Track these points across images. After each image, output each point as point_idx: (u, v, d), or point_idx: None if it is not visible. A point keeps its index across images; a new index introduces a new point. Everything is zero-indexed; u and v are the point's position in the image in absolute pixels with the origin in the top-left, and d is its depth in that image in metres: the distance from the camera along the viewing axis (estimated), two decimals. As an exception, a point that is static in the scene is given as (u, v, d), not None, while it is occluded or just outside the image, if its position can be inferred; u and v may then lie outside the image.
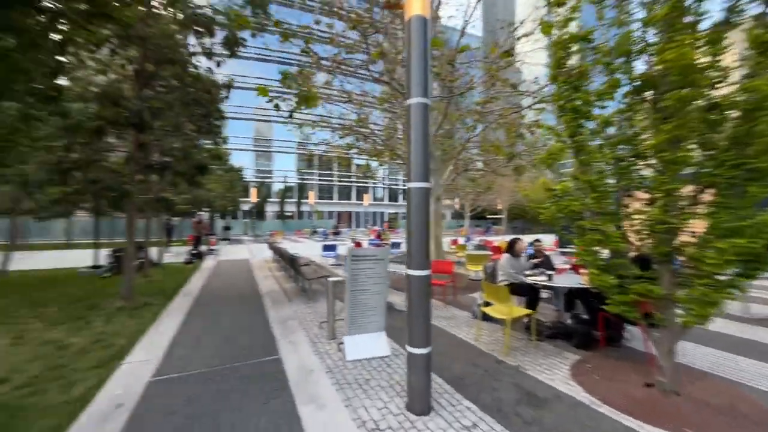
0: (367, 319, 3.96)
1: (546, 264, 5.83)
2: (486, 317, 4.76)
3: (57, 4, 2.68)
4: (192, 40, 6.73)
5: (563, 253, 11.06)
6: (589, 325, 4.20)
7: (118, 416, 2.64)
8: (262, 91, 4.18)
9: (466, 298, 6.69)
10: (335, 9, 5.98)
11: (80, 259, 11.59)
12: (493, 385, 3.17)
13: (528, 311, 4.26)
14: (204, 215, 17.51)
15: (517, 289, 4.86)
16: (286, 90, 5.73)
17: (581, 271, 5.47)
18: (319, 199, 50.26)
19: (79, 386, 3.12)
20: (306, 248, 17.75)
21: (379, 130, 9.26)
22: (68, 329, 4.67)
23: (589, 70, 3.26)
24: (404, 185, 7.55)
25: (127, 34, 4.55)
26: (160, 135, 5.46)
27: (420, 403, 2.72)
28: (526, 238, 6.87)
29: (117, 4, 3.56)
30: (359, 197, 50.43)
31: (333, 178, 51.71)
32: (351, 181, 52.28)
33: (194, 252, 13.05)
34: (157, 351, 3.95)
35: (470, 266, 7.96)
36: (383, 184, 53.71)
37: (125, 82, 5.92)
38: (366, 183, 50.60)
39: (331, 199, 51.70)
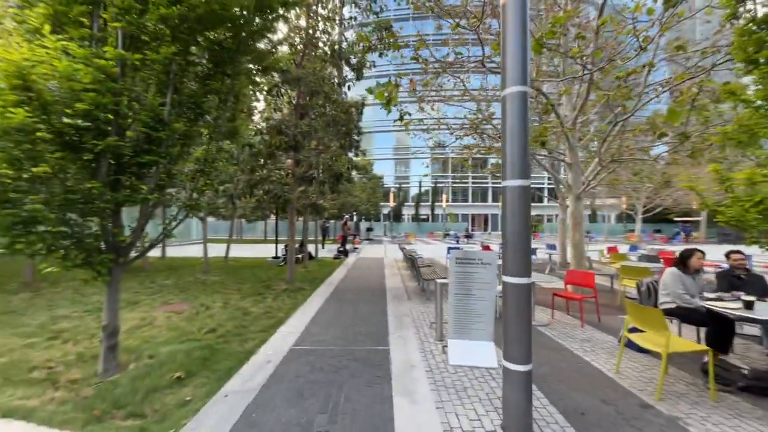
0: (473, 325, 3.79)
1: (752, 285, 4.11)
2: (639, 347, 3.77)
3: (233, 70, 3.78)
4: (331, 70, 8.07)
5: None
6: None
7: (267, 369, 3.47)
8: (379, 95, 4.61)
9: (615, 319, 5.42)
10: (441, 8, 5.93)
11: (270, 251, 15.47)
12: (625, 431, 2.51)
13: (703, 347, 3.13)
14: (350, 218, 20.36)
15: (691, 316, 3.66)
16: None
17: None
18: (453, 201, 50.13)
19: (249, 342, 4.25)
20: (435, 250, 18.12)
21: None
22: (252, 301, 6.39)
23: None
24: (548, 183, 6.74)
25: (286, 79, 5.94)
26: (308, 152, 6.81)
27: (517, 426, 2.43)
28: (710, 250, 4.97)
29: (275, 57, 4.70)
30: (495, 199, 47.53)
31: (467, 181, 50.61)
32: (486, 183, 49.88)
33: (341, 249, 15.35)
34: (300, 326, 4.93)
35: (624, 280, 6.35)
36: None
37: (287, 114, 7.65)
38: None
39: (466, 202, 50.69)
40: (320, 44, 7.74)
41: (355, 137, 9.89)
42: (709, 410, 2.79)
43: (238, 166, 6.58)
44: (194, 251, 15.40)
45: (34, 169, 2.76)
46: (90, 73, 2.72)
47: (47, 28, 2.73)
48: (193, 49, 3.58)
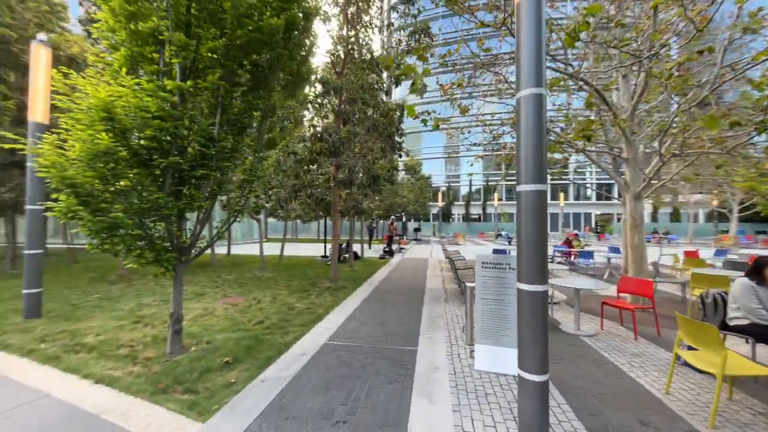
0: (502, 331, 3.71)
1: None
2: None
3: (268, 86, 4.20)
4: (372, 77, 8.32)
5: None
6: None
7: (301, 360, 3.80)
8: (410, 111, 4.72)
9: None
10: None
11: (320, 250, 16.36)
12: (660, 456, 2.29)
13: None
14: (396, 219, 20.62)
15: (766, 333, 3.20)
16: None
17: None
18: (507, 200, 47.74)
19: (290, 335, 4.66)
20: (483, 251, 17.47)
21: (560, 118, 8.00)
22: (297, 297, 6.91)
23: None
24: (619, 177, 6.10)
25: (326, 90, 6.33)
26: (348, 157, 7.16)
27: (532, 439, 2.38)
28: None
29: (308, 68, 5.06)
30: (555, 197, 44.11)
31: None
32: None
33: (386, 249, 15.64)
34: (336, 322, 5.24)
35: (696, 290, 5.56)
36: (591, 179, 44.64)
37: (332, 121, 8.10)
38: (565, 180, 43.52)
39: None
40: (362, 51, 8.04)
41: (398, 139, 10.06)
42: (775, 445, 2.42)
43: (284, 173, 7.22)
44: (256, 249, 16.91)
45: (117, 184, 3.40)
46: (156, 103, 3.27)
47: (124, 70, 3.34)
48: (238, 72, 4.05)
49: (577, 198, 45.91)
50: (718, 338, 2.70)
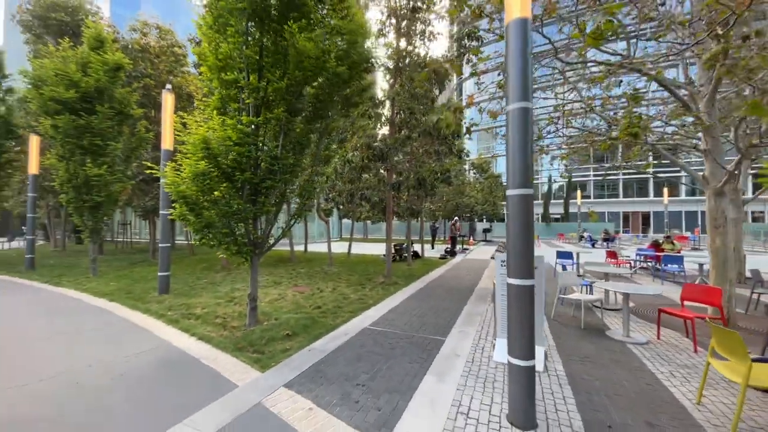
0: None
1: None
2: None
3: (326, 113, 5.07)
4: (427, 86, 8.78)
5: None
6: None
7: (342, 339, 4.54)
8: (447, 124, 5.11)
9: (755, 350, 4.19)
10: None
11: (384, 249, 17.31)
12: (648, 450, 2.36)
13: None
14: (459, 220, 20.47)
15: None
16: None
17: None
18: (598, 197, 42.45)
19: (339, 319, 5.48)
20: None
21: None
22: (353, 290, 7.78)
23: None
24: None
25: (375, 104, 7.08)
26: (396, 162, 7.79)
27: (518, 418, 2.65)
28: None
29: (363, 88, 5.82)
30: (658, 192, 37.58)
31: (617, 172, 41.80)
32: (644, 174, 39.97)
33: (448, 250, 15.77)
34: (380, 312, 5.89)
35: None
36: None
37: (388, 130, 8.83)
38: (672, 172, 36.65)
39: (615, 197, 42.02)
40: (415, 61, 8.57)
41: (455, 141, 10.30)
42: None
43: (342, 178, 8.19)
44: (322, 248, 18.72)
45: (211, 195, 4.63)
46: (236, 134, 4.38)
47: (215, 112, 4.54)
48: (297, 103, 5.02)
49: (692, 194, 38.27)
50: (742, 346, 2.54)
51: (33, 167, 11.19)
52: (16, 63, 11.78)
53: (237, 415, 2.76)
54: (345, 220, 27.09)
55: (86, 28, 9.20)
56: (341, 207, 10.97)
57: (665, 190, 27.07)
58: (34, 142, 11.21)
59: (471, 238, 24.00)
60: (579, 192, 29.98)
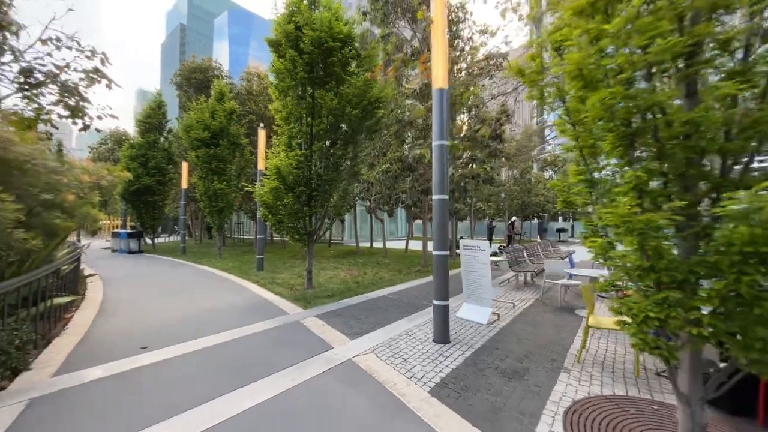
0: (479, 294, 5.31)
1: None
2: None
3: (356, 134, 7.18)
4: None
5: None
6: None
7: (362, 299, 6.56)
8: (454, 147, 6.66)
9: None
10: None
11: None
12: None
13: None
14: (516, 219, 20.49)
15: None
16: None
17: None
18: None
19: (368, 290, 7.50)
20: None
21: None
22: (391, 274, 9.72)
23: None
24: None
25: (402, 125, 8.93)
26: (422, 171, 9.45)
27: (437, 337, 4.27)
28: None
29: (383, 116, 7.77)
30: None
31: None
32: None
33: (500, 247, 16.37)
34: (400, 288, 7.73)
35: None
36: None
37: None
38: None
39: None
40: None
41: (498, 146, 11.39)
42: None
43: (382, 185, 10.16)
44: (395, 245, 20.99)
45: (281, 202, 7.15)
46: (296, 162, 6.79)
47: (283, 146, 7.06)
48: (333, 137, 7.24)
49: None
50: (590, 298, 3.69)
51: (184, 183, 16.17)
52: (172, 110, 17.12)
53: (284, 324, 5.03)
54: (417, 221, 29.14)
55: (213, 86, 13.26)
56: (381, 208, 13.01)
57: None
58: (184, 166, 16.19)
59: (539, 237, 23.39)
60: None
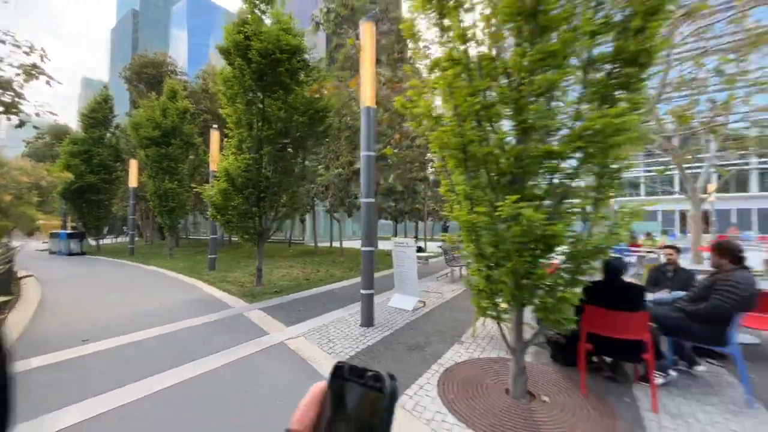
0: (406, 285, 6.06)
1: (676, 281, 4.29)
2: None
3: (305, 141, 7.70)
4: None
5: None
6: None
7: (305, 294, 7.08)
8: (393, 155, 7.37)
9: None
10: None
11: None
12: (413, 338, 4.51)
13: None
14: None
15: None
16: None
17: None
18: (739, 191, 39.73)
19: (315, 286, 8.02)
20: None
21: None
22: (341, 271, 10.29)
23: None
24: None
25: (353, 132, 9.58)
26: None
27: (364, 321, 4.94)
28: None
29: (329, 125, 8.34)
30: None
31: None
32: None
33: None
34: (346, 284, 8.33)
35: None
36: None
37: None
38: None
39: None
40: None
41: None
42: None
43: (335, 187, 10.73)
44: (356, 244, 21.52)
45: (231, 203, 7.47)
46: (244, 165, 7.15)
47: (232, 150, 7.40)
48: (282, 142, 7.69)
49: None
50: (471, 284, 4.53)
51: (133, 182, 15.59)
52: (121, 104, 16.41)
53: (227, 316, 5.44)
54: (385, 222, 29.92)
55: (166, 84, 13.05)
56: (336, 209, 13.63)
57: (709, 187, 25.21)
58: (133, 164, 15.61)
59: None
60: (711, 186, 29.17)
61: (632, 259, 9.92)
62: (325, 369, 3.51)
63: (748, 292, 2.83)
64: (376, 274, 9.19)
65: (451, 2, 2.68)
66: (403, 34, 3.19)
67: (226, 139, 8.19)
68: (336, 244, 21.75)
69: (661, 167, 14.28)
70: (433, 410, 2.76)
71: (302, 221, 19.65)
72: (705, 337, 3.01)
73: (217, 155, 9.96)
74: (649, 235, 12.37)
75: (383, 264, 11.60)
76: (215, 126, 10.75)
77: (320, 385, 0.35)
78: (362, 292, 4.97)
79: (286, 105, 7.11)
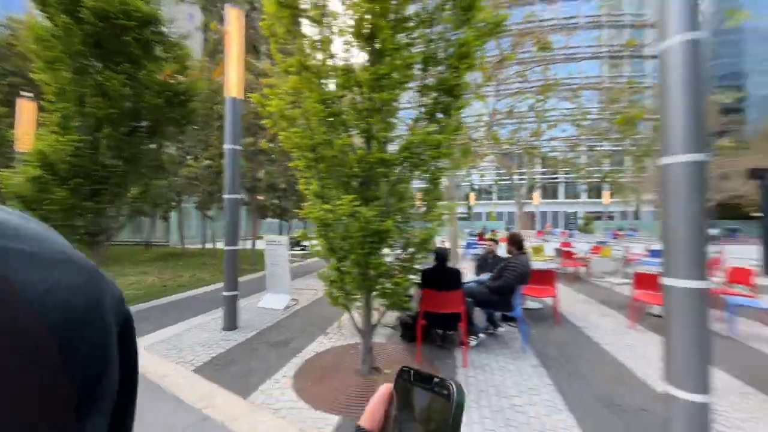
0: (278, 283, 5.97)
1: (492, 266, 5.42)
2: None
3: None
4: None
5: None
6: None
7: (166, 301, 6.18)
8: (270, 149, 7.00)
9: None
10: None
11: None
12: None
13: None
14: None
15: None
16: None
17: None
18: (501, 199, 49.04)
19: (174, 292, 7.05)
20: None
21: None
22: (210, 275, 9.31)
23: None
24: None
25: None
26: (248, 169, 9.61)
27: (226, 324, 4.66)
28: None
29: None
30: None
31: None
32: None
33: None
34: (214, 287, 7.61)
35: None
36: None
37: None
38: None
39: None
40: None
41: None
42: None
43: (206, 181, 9.70)
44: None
45: (51, 195, 5.87)
46: (72, 149, 5.71)
47: (54, 128, 5.82)
48: (129, 125, 6.48)
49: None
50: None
51: None
52: None
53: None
54: (271, 220, 27.84)
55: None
56: (207, 207, 12.35)
57: (534, 195, 33.02)
58: None
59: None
60: (473, 194, 34.85)
61: (479, 250, 12.21)
62: (170, 381, 3.21)
63: (525, 270, 3.95)
64: (256, 275, 8.75)
65: (308, 13, 2.86)
66: (262, 31, 3.19)
67: (42, 113, 6.40)
68: (209, 245, 19.43)
69: (497, 177, 18.68)
70: (284, 400, 2.87)
71: (165, 219, 16.79)
72: (500, 306, 4.04)
73: (29, 132, 7.63)
74: (493, 231, 15.42)
75: (262, 264, 10.98)
76: (28, 94, 8.20)
77: (388, 386, 0.35)
78: (224, 294, 4.68)
79: (134, 81, 6.03)
